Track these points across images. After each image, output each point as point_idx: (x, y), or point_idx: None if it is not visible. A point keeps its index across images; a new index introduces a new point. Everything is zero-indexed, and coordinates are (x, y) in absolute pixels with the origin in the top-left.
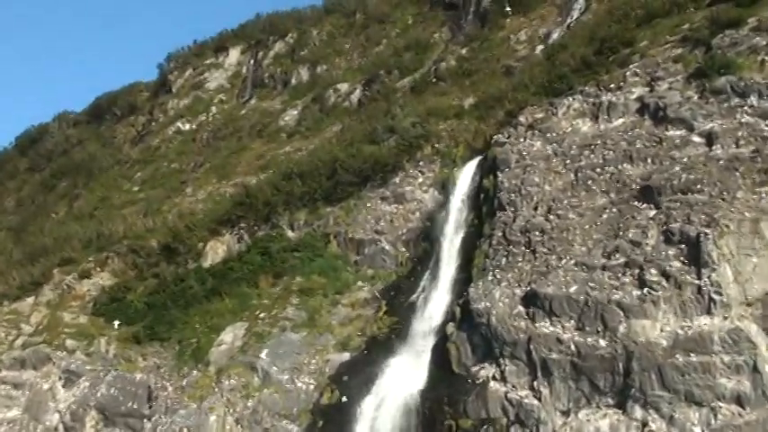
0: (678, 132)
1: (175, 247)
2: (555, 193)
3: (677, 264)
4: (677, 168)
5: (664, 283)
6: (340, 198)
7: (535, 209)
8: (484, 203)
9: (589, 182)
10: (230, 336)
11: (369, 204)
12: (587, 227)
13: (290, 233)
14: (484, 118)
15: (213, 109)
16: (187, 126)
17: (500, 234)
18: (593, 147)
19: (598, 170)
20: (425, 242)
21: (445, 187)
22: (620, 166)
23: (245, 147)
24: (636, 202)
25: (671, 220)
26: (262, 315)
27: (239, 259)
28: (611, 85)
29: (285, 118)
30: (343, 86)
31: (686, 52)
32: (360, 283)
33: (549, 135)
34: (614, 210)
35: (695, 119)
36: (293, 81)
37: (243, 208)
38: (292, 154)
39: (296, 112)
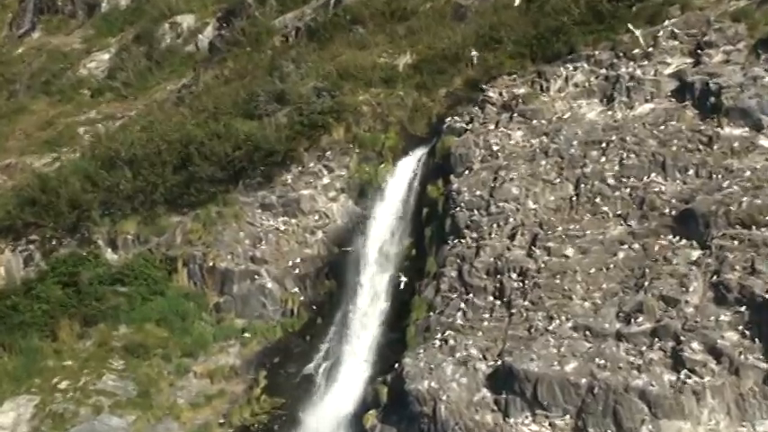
0: (738, 131)
1: None
2: (544, 214)
3: (734, 336)
4: (736, 187)
5: (712, 364)
6: (194, 202)
7: (512, 237)
8: (428, 223)
9: (597, 199)
10: (10, 416)
11: (241, 215)
12: (593, 270)
13: (110, 253)
14: (429, 88)
15: None
16: None
17: (454, 274)
18: (604, 145)
19: (612, 182)
20: (331, 279)
21: (366, 194)
22: (645, 178)
23: (23, 107)
24: (670, 236)
25: (725, 267)
26: (63, 385)
27: (26, 292)
28: (635, 51)
29: (89, 65)
30: (186, 20)
31: (752, 7)
32: (224, 341)
33: (535, 122)
34: (636, 245)
35: (764, 111)
36: (104, 5)
37: (34, 210)
38: (101, 123)
39: (107, 57)
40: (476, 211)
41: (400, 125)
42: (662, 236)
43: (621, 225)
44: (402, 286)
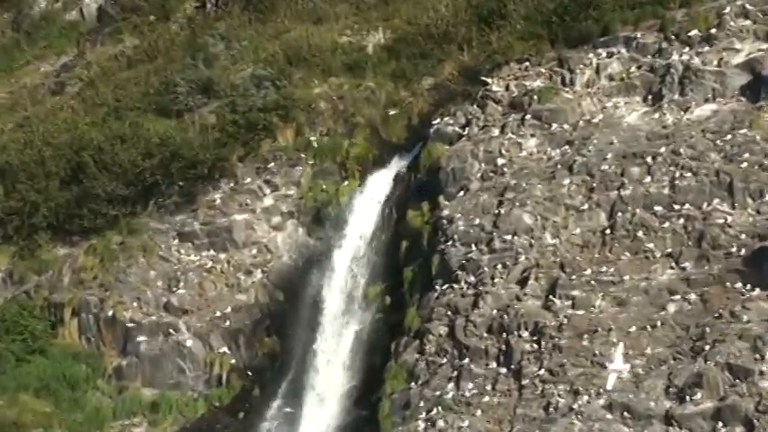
0: None
1: None
2: (567, 252)
3: None
4: None
5: None
6: (89, 228)
7: (523, 282)
8: (408, 262)
9: (640, 232)
10: None
11: (152, 247)
12: (633, 329)
13: None
14: (409, 78)
15: None
16: None
17: (443, 331)
18: (649, 159)
19: (659, 209)
20: (274, 336)
21: (323, 222)
22: (705, 206)
23: None
24: (739, 284)
25: None
26: None
27: None
28: (691, 33)
29: None
30: None
31: None
32: (127, 419)
33: (555, 127)
34: (692, 296)
35: None
36: None
37: None
38: None
39: None
40: (474, 247)
41: (370, 128)
42: (727, 283)
43: (672, 268)
44: (372, 346)
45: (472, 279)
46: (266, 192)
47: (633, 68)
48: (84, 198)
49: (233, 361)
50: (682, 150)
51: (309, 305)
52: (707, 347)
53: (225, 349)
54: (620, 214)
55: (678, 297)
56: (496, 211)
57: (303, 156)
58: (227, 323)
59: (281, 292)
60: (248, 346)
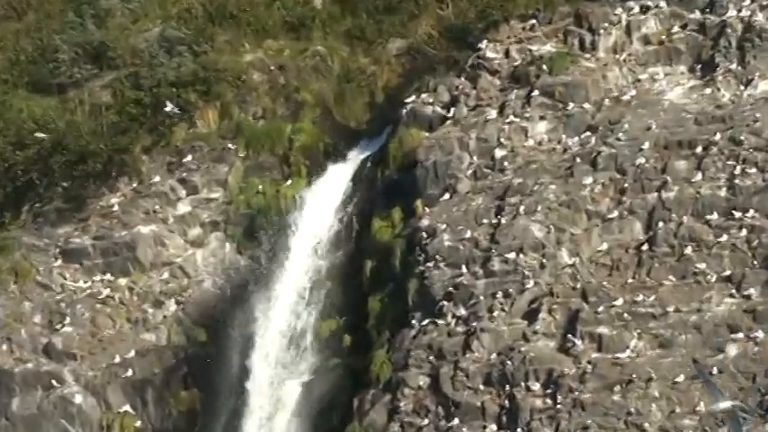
0: None
1: None
2: (590, 275)
3: None
4: None
5: None
6: None
7: (531, 316)
8: (375, 289)
9: (688, 249)
10: None
11: (27, 269)
12: (681, 378)
13: None
14: (370, 39)
15: None
16: None
17: (424, 382)
18: (700, 149)
19: (715, 218)
20: (193, 389)
21: (258, 234)
22: None
23: None
24: None
25: None
26: None
27: None
28: None
29: None
30: None
31: None
32: None
33: (572, 106)
34: (759, 334)
35: None
36: None
37: None
38: None
39: None
40: (465, 269)
41: (320, 108)
42: None
43: (733, 296)
44: (327, 403)
45: (463, 312)
46: (181, 194)
47: (676, 28)
48: None
49: (138, 423)
50: (743, 138)
51: (240, 347)
52: None
53: (127, 407)
54: (661, 224)
55: (741, 335)
56: (495, 221)
57: (231, 146)
58: (130, 372)
59: (201, 329)
60: (158, 402)
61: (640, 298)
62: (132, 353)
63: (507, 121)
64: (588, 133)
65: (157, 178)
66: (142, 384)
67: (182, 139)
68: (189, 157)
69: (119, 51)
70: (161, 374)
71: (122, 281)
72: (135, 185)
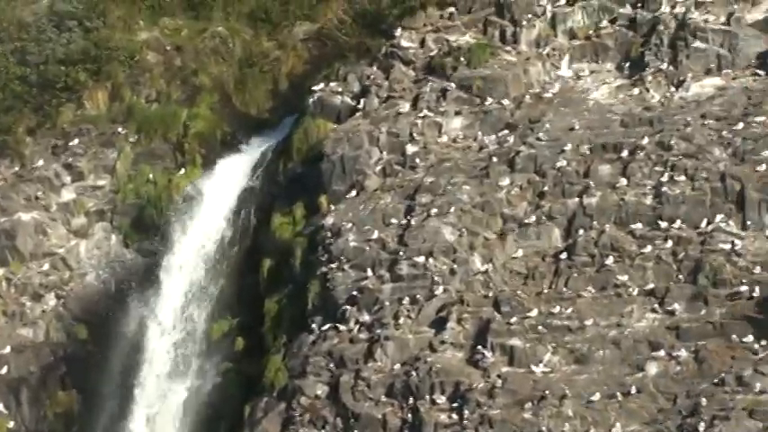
0: None
1: None
2: (503, 283)
3: None
4: None
5: None
6: None
7: (439, 325)
8: (272, 291)
9: (609, 259)
10: None
11: None
12: (597, 397)
13: None
14: (274, 21)
15: None
16: None
17: (322, 392)
18: (626, 153)
19: (638, 225)
20: (72, 390)
21: (148, 225)
22: (704, 223)
23: None
24: (749, 336)
25: None
26: None
27: None
28: None
29: None
30: None
31: None
32: None
33: (490, 102)
34: (682, 353)
35: None
36: None
37: None
38: None
39: None
40: (370, 272)
41: (219, 93)
42: (733, 336)
43: (655, 311)
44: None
45: (366, 318)
46: (66, 180)
47: (605, 22)
48: None
49: (11, 424)
50: (672, 143)
51: (124, 347)
52: (702, 427)
53: (0, 407)
54: (581, 232)
55: (662, 353)
56: (404, 221)
57: (121, 130)
58: (5, 370)
59: (83, 326)
60: (34, 403)
61: (557, 309)
62: (7, 349)
63: (421, 115)
64: (506, 131)
65: (41, 162)
66: (17, 383)
67: (69, 121)
68: (75, 141)
69: (4, 24)
70: (38, 373)
71: None
72: (16, 169)
